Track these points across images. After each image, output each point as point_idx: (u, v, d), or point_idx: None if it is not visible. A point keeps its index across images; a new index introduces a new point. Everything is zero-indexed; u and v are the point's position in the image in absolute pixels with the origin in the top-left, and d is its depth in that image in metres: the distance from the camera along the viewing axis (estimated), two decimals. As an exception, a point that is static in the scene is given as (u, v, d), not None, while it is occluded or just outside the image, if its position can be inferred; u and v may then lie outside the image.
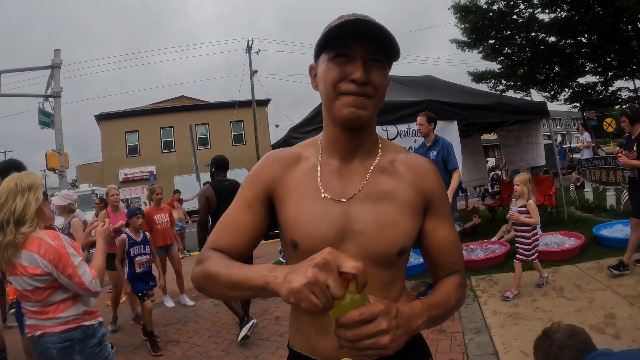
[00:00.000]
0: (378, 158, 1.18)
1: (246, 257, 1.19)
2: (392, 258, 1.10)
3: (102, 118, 28.20)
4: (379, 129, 5.19)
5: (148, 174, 26.84)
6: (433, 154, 4.96)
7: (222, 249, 1.14)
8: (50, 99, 12.67)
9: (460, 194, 9.41)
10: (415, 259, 6.30)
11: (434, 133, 5.16)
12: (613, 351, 1.65)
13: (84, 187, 21.78)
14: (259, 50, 25.31)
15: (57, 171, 12.39)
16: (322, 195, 1.12)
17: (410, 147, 5.41)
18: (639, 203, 4.81)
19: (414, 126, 5.71)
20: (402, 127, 5.99)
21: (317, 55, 1.13)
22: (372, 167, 1.16)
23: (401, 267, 1.18)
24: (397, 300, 1.14)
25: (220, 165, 5.16)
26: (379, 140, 1.23)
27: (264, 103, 29.83)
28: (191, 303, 6.18)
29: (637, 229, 4.80)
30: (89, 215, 10.53)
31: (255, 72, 25.02)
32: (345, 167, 1.17)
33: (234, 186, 4.78)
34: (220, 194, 4.73)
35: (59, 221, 5.39)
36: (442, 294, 1.14)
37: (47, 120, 12.22)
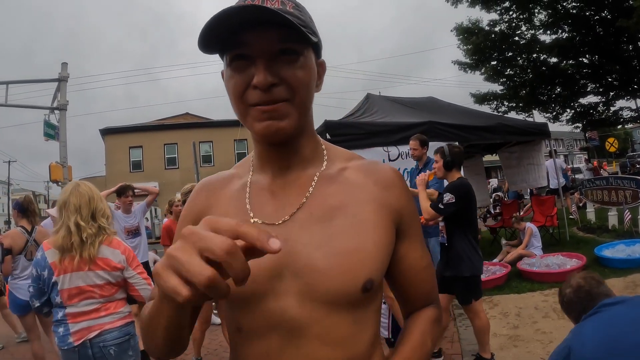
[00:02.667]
0: (324, 166, 0.94)
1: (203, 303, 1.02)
2: (355, 297, 0.82)
3: (106, 132, 28.41)
4: (379, 150, 5.23)
5: (151, 189, 26.82)
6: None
7: None
8: (56, 112, 12.78)
9: None
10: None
11: (426, 155, 5.21)
12: (627, 297, 1.68)
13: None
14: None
15: (60, 183, 12.43)
16: (252, 221, 0.89)
17: (412, 169, 5.46)
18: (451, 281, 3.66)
19: (416, 148, 5.78)
20: (404, 149, 6.04)
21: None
22: (315, 178, 0.91)
23: (370, 310, 0.88)
24: (369, 359, 0.89)
25: None
26: (323, 146, 0.99)
27: (269, 122, 29.99)
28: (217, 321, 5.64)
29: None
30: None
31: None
32: (280, 182, 0.93)
33: None
34: None
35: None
36: (416, 340, 0.94)
37: (52, 132, 12.32)
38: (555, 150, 13.01)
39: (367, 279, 0.82)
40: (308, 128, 0.94)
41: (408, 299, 1.01)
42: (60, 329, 2.31)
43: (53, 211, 4.51)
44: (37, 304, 2.40)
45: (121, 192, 5.35)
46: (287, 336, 0.81)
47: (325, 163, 0.95)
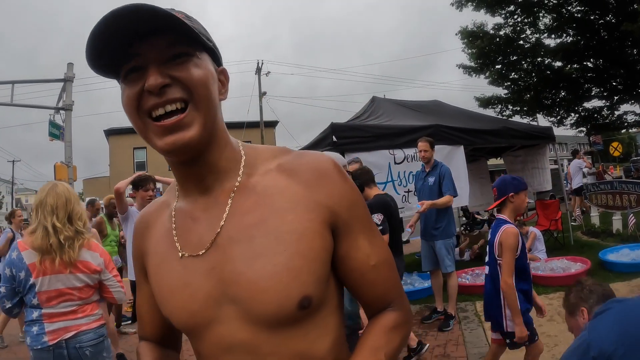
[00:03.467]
0: (238, 179, 0.85)
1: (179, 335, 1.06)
2: (292, 316, 0.78)
3: (111, 133, 28.49)
4: (385, 152, 5.25)
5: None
6: (431, 179, 5.02)
7: (148, 340, 1.03)
8: (61, 112, 12.79)
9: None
10: (419, 283, 6.32)
11: (434, 158, 5.24)
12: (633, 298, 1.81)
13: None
14: (269, 72, 25.36)
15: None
16: (180, 254, 0.84)
17: (417, 172, 5.48)
18: None
19: (421, 150, 5.81)
20: (409, 152, 6.08)
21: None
22: (232, 194, 0.84)
23: (322, 323, 0.83)
24: None
25: None
26: (242, 150, 0.90)
27: (272, 125, 30.02)
28: None
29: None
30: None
31: (264, 93, 25.28)
32: (201, 205, 0.86)
33: None
34: None
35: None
36: (365, 358, 0.83)
37: (57, 132, 12.31)
38: (577, 150, 13.01)
39: (302, 296, 0.77)
40: (219, 136, 0.85)
41: (362, 301, 0.92)
42: (35, 328, 2.29)
43: None
44: (8, 305, 2.36)
45: (140, 184, 4.44)
46: (243, 357, 0.80)
47: (242, 171, 0.86)
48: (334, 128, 5.97)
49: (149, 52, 0.74)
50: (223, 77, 0.88)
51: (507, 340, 2.92)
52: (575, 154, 13.00)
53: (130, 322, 6.25)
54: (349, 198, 0.86)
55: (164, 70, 0.74)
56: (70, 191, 2.46)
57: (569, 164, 13.62)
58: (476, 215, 9.76)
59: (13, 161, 46.52)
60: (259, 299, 0.76)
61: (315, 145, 7.19)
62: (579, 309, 2.07)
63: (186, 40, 0.77)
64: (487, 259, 3.06)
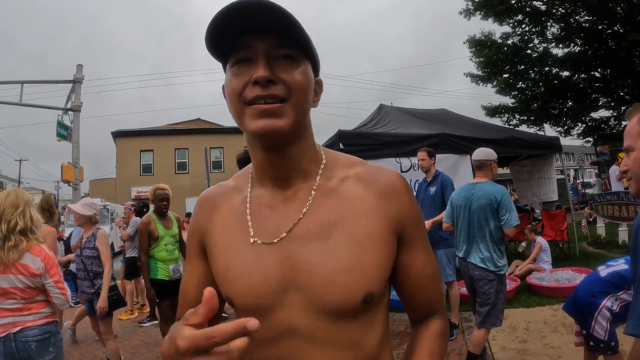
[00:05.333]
0: (318, 178, 0.93)
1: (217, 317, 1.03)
2: (355, 309, 0.85)
3: (118, 135, 28.68)
4: (392, 160, 5.27)
5: (160, 193, 26.95)
6: (432, 189, 5.00)
7: None
8: (70, 113, 12.83)
9: None
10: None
11: (435, 168, 5.24)
12: None
13: (96, 202, 22.03)
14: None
15: (71, 184, 12.47)
16: (251, 240, 0.90)
17: (419, 182, 5.50)
18: None
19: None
20: (416, 160, 6.09)
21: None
22: (312, 192, 0.91)
23: (374, 318, 0.90)
24: (378, 358, 0.92)
25: None
26: (323, 154, 0.98)
27: (279, 130, 30.01)
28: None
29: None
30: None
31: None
32: (279, 196, 0.93)
33: None
34: None
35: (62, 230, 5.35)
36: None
37: (64, 133, 12.32)
38: (617, 157, 12.92)
39: (366, 292, 0.85)
40: (306, 136, 0.93)
41: (412, 307, 1.01)
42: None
43: (78, 208, 4.49)
44: None
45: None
46: (298, 342, 0.86)
47: (321, 172, 0.94)
48: (341, 135, 6.01)
49: (259, 47, 0.81)
50: (318, 87, 0.95)
51: (591, 343, 2.86)
52: (614, 160, 12.91)
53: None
54: (415, 214, 0.95)
55: (272, 67, 0.81)
56: (20, 198, 2.63)
57: (575, 174, 13.56)
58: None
59: (20, 160, 46.85)
60: (328, 290, 0.83)
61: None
62: None
63: (294, 44, 0.83)
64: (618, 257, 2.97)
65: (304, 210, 0.89)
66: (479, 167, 3.92)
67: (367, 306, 0.86)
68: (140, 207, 7.25)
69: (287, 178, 0.92)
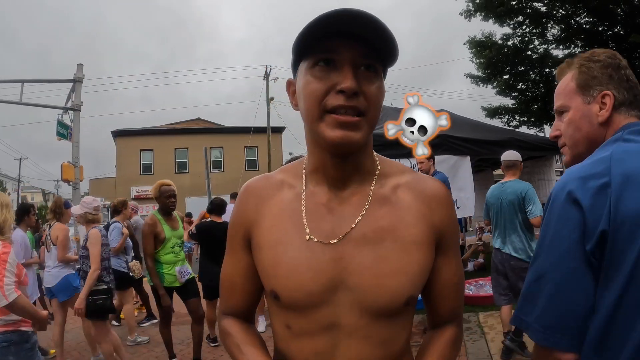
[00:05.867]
0: (374, 184, 0.97)
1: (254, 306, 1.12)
2: (397, 310, 0.92)
3: (118, 134, 28.63)
4: (393, 163, 5.26)
5: (160, 192, 26.90)
6: None
7: (232, 314, 1.08)
8: (70, 112, 12.85)
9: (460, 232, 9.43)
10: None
11: (435, 168, 5.25)
12: None
13: (91, 200, 22.01)
14: (277, 78, 25.30)
15: (71, 183, 12.49)
16: (307, 237, 0.92)
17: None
18: None
19: (429, 160, 5.82)
20: (415, 161, 6.09)
21: (295, 67, 0.93)
22: (369, 197, 0.95)
23: (407, 317, 0.98)
24: (403, 356, 0.99)
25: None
26: (377, 161, 1.02)
27: (279, 130, 30.02)
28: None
29: None
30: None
31: (272, 99, 25.33)
32: (336, 198, 0.96)
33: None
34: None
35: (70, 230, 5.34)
36: None
37: (64, 132, 12.35)
38: None
39: (409, 295, 0.92)
40: (369, 146, 0.99)
41: (434, 310, 1.05)
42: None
43: (74, 209, 4.58)
44: None
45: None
46: (337, 337, 0.91)
47: (376, 178, 0.98)
48: (341, 136, 5.98)
49: (346, 54, 0.83)
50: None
51: None
52: None
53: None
54: (454, 224, 1.01)
55: (357, 77, 0.83)
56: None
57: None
58: None
59: (20, 159, 46.88)
60: (376, 292, 0.89)
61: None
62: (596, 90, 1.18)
63: (378, 55, 0.86)
64: None
65: (361, 215, 0.93)
66: (509, 167, 4.36)
67: (407, 307, 0.94)
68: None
69: (345, 180, 0.96)
